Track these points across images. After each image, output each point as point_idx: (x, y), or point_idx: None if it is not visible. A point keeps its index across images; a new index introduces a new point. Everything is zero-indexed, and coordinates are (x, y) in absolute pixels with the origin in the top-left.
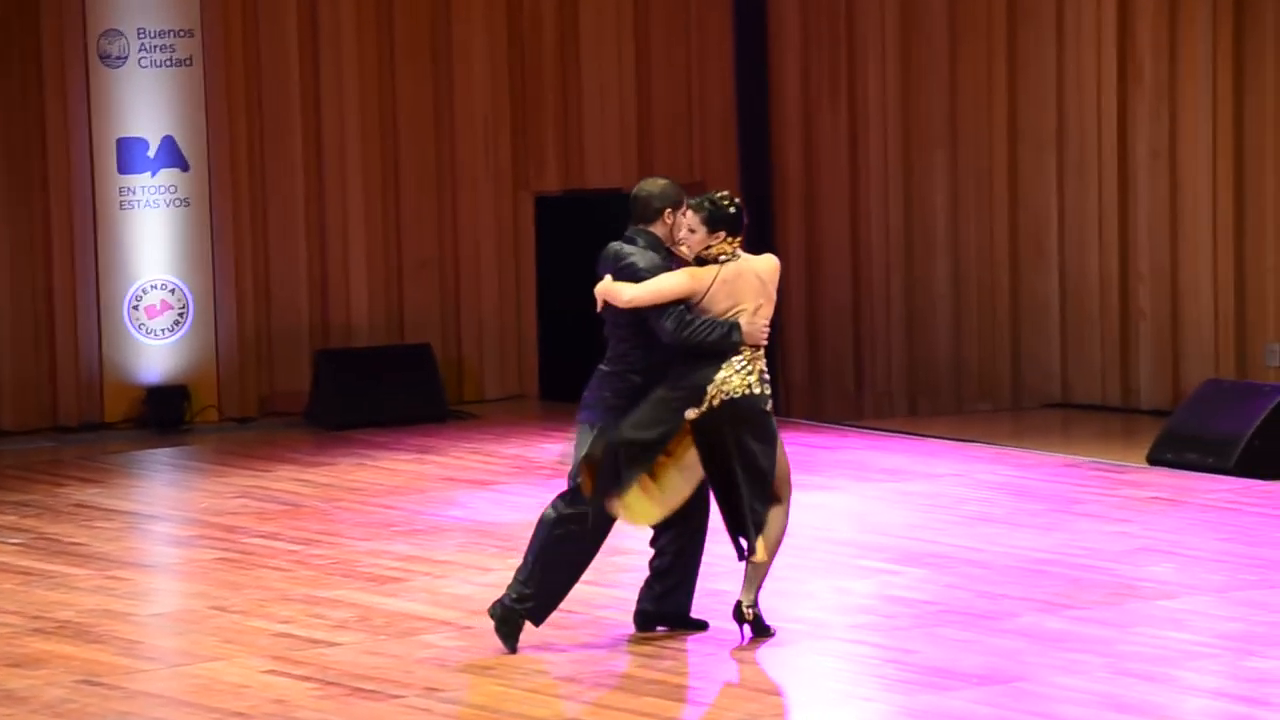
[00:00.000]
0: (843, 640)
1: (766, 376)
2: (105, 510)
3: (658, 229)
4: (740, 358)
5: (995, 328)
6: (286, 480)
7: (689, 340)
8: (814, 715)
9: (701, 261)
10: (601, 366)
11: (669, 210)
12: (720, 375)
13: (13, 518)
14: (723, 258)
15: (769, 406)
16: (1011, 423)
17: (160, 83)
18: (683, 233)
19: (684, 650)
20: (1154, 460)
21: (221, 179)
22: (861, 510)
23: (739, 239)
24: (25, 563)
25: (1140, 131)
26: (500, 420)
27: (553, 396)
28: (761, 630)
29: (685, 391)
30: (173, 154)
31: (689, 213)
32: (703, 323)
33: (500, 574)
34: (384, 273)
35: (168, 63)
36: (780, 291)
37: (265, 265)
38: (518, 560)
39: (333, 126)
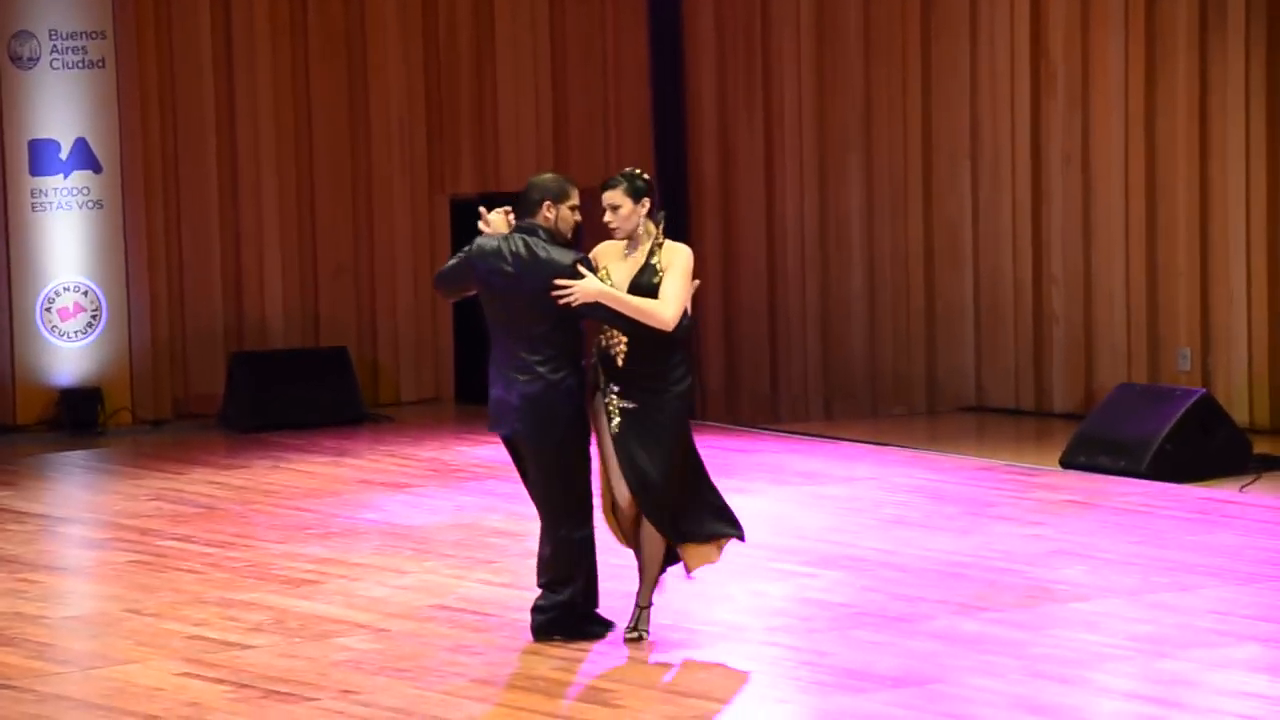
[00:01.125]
0: (759, 643)
1: None
2: (17, 513)
3: (539, 220)
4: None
5: (910, 331)
6: (201, 483)
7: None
8: (731, 717)
9: (635, 239)
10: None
11: (548, 202)
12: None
13: None
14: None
15: None
16: (927, 426)
17: (72, 84)
18: (606, 215)
19: (601, 653)
20: (1067, 463)
21: (134, 181)
22: (777, 513)
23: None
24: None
25: (1053, 137)
26: (416, 423)
27: (468, 399)
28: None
29: (689, 390)
30: (85, 156)
31: (607, 193)
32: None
33: (416, 576)
34: (299, 275)
35: (80, 64)
36: (696, 294)
37: (180, 267)
38: (434, 562)
39: (247, 129)
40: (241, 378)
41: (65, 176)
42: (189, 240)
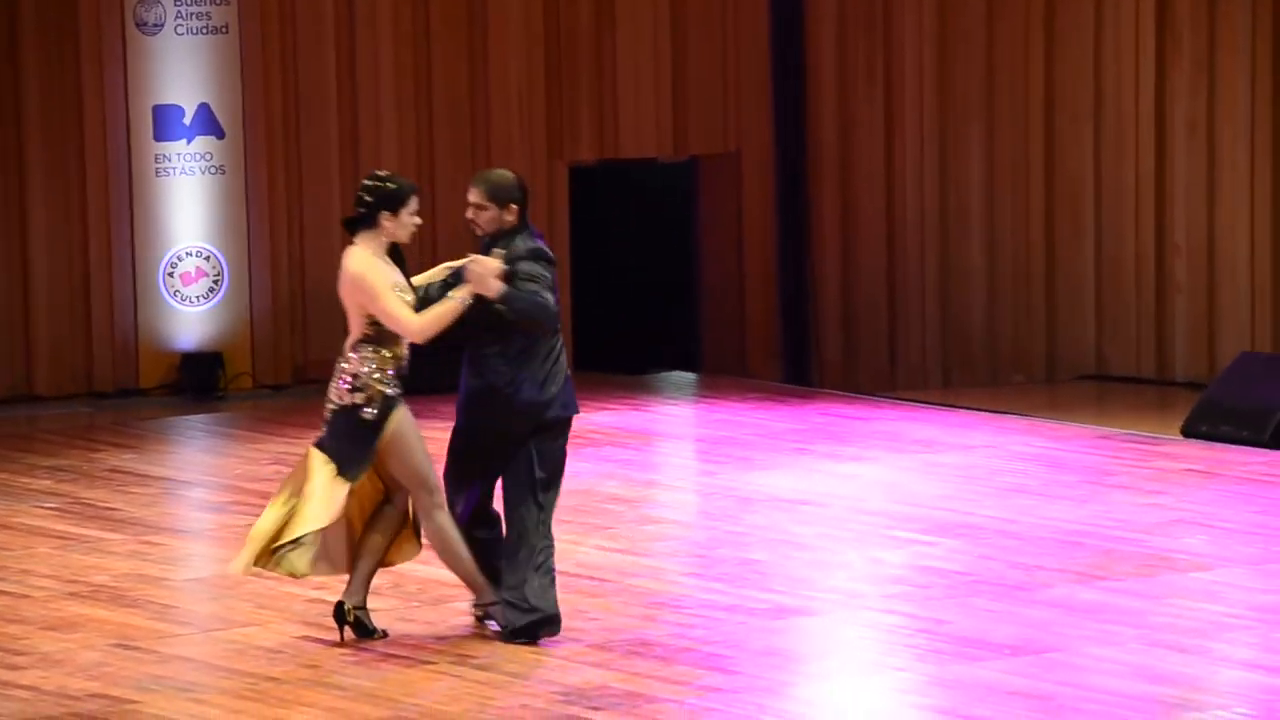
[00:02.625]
0: (875, 610)
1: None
2: (140, 475)
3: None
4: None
5: (1030, 300)
6: None
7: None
8: (846, 685)
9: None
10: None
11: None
12: None
13: (48, 482)
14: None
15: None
16: (1046, 395)
17: (196, 50)
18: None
19: (717, 619)
20: (1189, 433)
21: (256, 146)
22: (895, 481)
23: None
24: (60, 527)
25: (1178, 104)
26: None
27: (586, 366)
28: (365, 632)
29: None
30: (208, 121)
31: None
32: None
33: None
34: (418, 240)
35: (204, 30)
36: (812, 263)
37: (300, 232)
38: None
39: (368, 95)
40: None
41: (188, 142)
42: (310, 205)
